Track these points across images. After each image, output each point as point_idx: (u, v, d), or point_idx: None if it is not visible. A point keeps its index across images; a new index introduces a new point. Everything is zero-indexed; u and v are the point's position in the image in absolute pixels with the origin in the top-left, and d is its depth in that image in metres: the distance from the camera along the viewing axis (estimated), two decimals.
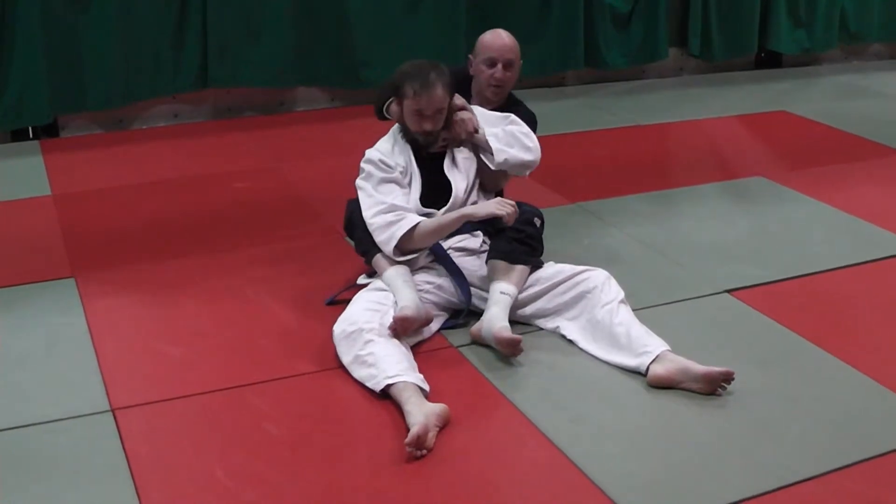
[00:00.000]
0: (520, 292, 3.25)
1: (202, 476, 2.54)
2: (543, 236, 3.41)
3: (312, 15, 5.83)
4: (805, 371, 3.10)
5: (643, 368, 3.01)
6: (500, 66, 3.64)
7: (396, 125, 3.44)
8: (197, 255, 3.87)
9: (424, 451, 2.63)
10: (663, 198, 4.67)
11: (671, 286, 3.66)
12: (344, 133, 5.49)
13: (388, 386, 2.84)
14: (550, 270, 3.32)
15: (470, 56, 3.75)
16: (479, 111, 3.49)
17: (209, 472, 2.55)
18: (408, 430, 2.65)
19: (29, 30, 5.11)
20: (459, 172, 3.41)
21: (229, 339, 3.25)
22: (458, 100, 3.43)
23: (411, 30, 6.09)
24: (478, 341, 3.18)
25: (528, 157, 3.42)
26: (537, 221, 3.37)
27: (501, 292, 3.21)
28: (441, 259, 3.34)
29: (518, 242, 3.27)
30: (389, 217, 3.25)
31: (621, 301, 3.19)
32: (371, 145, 3.45)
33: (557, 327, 3.27)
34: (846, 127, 5.90)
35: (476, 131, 3.39)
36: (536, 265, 3.31)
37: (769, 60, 7.54)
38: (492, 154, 3.38)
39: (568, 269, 3.30)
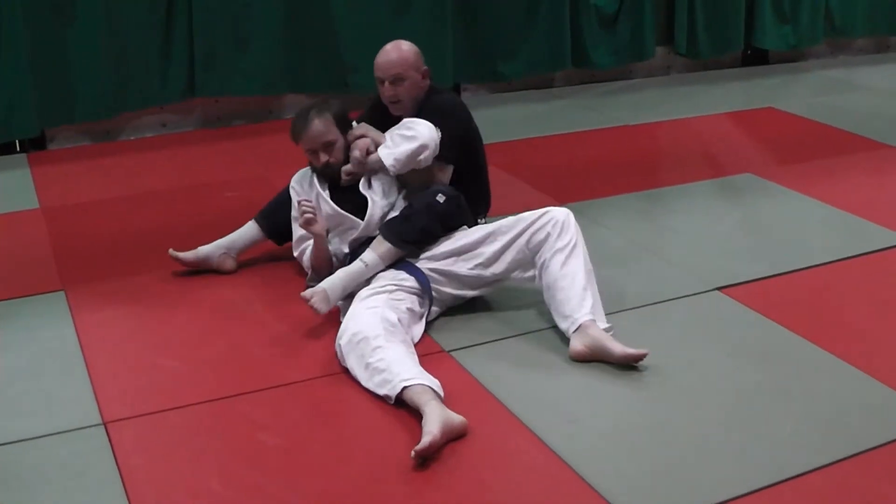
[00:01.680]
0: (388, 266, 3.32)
1: (197, 488, 2.53)
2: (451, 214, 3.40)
3: (299, 22, 5.83)
4: (797, 366, 3.11)
5: (568, 334, 3.12)
6: (386, 84, 3.66)
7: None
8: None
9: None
10: (653, 197, 4.68)
11: (662, 284, 3.66)
12: None
13: (405, 389, 2.81)
14: (510, 220, 3.36)
15: None
16: (391, 132, 3.54)
17: (204, 483, 2.55)
18: (421, 432, 2.63)
19: (15, 43, 5.10)
20: (377, 191, 3.51)
21: (221, 350, 3.24)
22: (359, 129, 3.58)
23: (399, 34, 6.05)
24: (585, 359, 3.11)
25: (412, 145, 3.44)
26: (440, 198, 3.36)
27: (360, 259, 3.31)
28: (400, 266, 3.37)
29: (402, 219, 3.34)
30: (301, 259, 3.60)
31: (573, 247, 3.23)
32: None
33: (533, 276, 3.34)
34: (833, 122, 5.92)
35: (368, 153, 3.48)
36: (405, 246, 3.33)
37: (756, 57, 7.56)
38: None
39: (528, 215, 3.34)
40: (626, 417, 2.84)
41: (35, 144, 5.47)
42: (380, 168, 3.48)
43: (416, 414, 2.77)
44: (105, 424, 2.80)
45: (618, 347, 3.03)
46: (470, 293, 3.41)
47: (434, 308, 3.34)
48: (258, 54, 5.78)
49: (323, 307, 3.22)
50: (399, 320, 3.10)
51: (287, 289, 3.64)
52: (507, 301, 3.49)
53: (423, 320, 3.28)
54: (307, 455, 2.67)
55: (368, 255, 3.31)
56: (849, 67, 7.56)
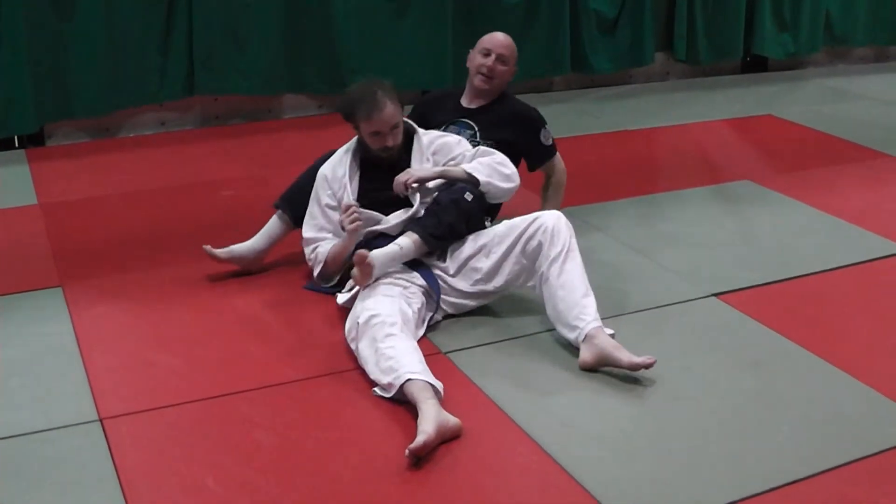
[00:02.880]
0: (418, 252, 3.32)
1: (192, 485, 2.53)
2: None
3: (299, 22, 5.83)
4: (793, 373, 3.12)
5: (577, 344, 3.11)
6: (493, 56, 3.84)
7: (354, 142, 3.57)
8: (185, 264, 3.86)
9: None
10: (650, 202, 4.69)
11: (658, 290, 3.67)
12: (331, 140, 5.45)
13: (408, 381, 2.81)
14: (502, 229, 3.37)
15: (470, 50, 3.98)
16: (441, 142, 3.58)
17: (199, 480, 2.55)
18: (415, 431, 2.64)
19: (14, 38, 5.09)
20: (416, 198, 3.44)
21: (218, 348, 3.24)
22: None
23: (398, 36, 6.10)
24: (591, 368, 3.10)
25: (508, 185, 3.49)
26: (468, 196, 3.38)
27: (396, 242, 3.30)
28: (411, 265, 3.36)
29: (430, 214, 3.37)
30: (310, 257, 3.53)
31: (567, 252, 3.23)
32: None
33: (533, 286, 3.34)
34: (832, 130, 5.93)
35: (417, 182, 3.41)
36: (433, 241, 3.33)
37: (755, 64, 7.57)
38: (470, 184, 3.42)
39: (519, 222, 3.34)
40: (621, 422, 2.84)
41: (33, 140, 5.46)
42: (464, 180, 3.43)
43: (411, 412, 2.78)
44: (101, 420, 2.80)
45: (625, 356, 3.01)
46: (472, 304, 3.41)
47: (436, 316, 3.34)
48: (257, 54, 5.78)
49: (367, 280, 3.20)
50: (412, 315, 3.13)
51: (284, 288, 3.64)
52: (505, 304, 3.49)
53: (425, 324, 3.28)
54: (302, 454, 2.67)
55: (404, 241, 3.30)
56: (848, 76, 7.58)
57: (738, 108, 6.50)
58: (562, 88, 6.89)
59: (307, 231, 3.56)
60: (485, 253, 3.35)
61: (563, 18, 6.54)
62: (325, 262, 3.48)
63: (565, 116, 6.23)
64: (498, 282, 3.35)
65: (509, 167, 3.51)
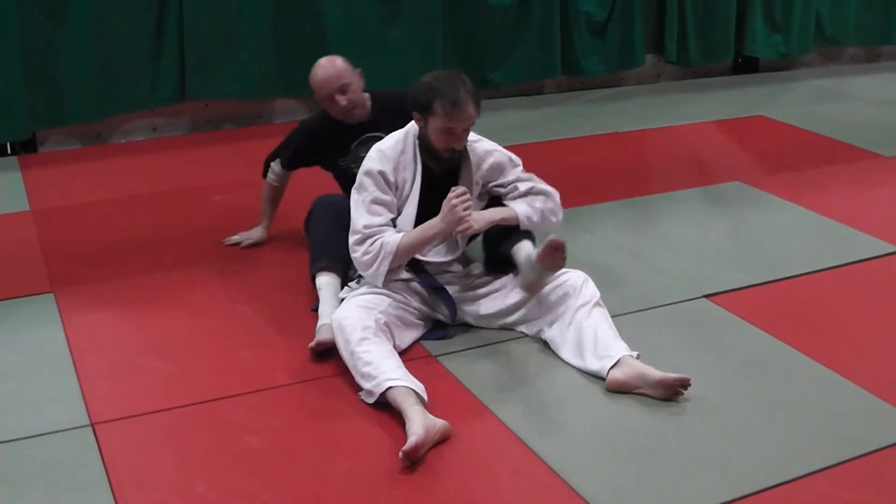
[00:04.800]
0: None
1: (183, 490, 2.54)
2: None
3: (290, 26, 5.84)
4: (783, 374, 3.12)
5: (604, 372, 3.00)
6: (335, 97, 3.71)
7: (411, 131, 3.26)
8: (176, 269, 3.86)
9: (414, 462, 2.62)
10: (641, 204, 4.70)
11: (649, 292, 3.68)
12: None
13: (389, 389, 2.81)
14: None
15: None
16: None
17: (190, 485, 2.55)
18: (405, 436, 2.65)
19: (5, 44, 5.09)
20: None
21: (209, 352, 3.24)
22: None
23: (389, 40, 6.10)
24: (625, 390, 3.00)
25: (550, 226, 3.36)
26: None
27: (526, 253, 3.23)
28: (421, 276, 3.30)
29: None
30: (369, 251, 3.16)
31: (596, 303, 3.19)
32: None
33: (539, 331, 3.27)
34: (823, 131, 5.94)
35: (476, 229, 3.19)
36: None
37: (746, 66, 7.59)
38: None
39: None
40: (611, 423, 2.85)
41: (26, 147, 5.46)
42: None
43: (397, 416, 2.78)
44: (93, 425, 2.81)
45: (658, 373, 2.92)
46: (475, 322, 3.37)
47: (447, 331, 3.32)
48: (248, 58, 5.78)
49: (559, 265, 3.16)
50: (387, 324, 3.10)
51: (275, 292, 3.64)
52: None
53: (417, 332, 3.27)
54: (292, 458, 2.67)
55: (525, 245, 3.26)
56: (839, 77, 7.59)
57: (729, 110, 6.51)
58: (553, 91, 6.90)
59: (362, 219, 3.18)
60: (503, 293, 3.32)
61: (553, 21, 6.54)
62: (397, 254, 3.15)
63: (556, 119, 6.25)
64: (511, 318, 3.31)
65: (558, 211, 3.38)
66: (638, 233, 4.33)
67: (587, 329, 3.11)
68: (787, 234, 4.31)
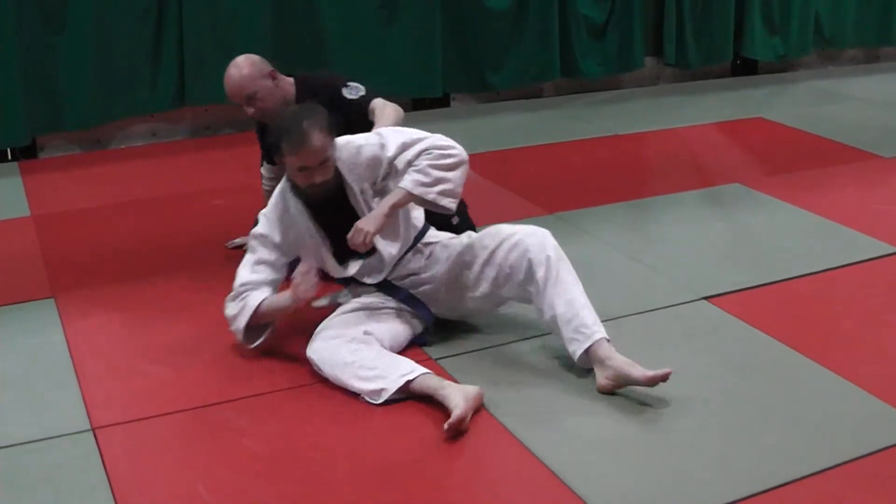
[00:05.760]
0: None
1: (184, 494, 2.54)
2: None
3: (288, 32, 5.85)
4: (783, 376, 3.13)
5: (575, 357, 3.02)
6: (243, 106, 3.63)
7: (285, 186, 3.18)
8: (176, 274, 3.87)
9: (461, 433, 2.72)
10: (641, 206, 4.70)
11: (649, 294, 3.68)
12: None
13: (408, 382, 2.86)
14: (487, 241, 3.20)
15: None
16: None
17: (191, 489, 2.55)
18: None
19: (4, 51, 5.10)
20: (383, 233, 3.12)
21: (209, 357, 3.24)
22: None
23: (387, 44, 6.11)
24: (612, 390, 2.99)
25: (456, 173, 3.10)
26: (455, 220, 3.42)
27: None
28: (391, 292, 3.25)
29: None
30: (236, 307, 3.15)
31: (557, 260, 3.09)
32: None
33: (513, 298, 3.25)
34: (822, 132, 5.95)
35: (373, 231, 3.02)
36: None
37: (745, 67, 7.60)
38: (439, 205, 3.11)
39: (503, 233, 3.18)
40: (612, 426, 2.85)
41: (26, 153, 5.47)
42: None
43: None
44: (94, 430, 2.81)
45: (639, 372, 2.91)
46: (466, 308, 3.35)
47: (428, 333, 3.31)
48: None
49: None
50: (368, 333, 3.08)
51: None
52: (494, 312, 3.50)
53: (407, 329, 3.25)
54: (293, 462, 2.68)
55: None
56: (838, 78, 7.60)
57: (728, 112, 6.51)
58: (552, 94, 6.91)
59: (241, 276, 3.19)
60: (466, 265, 3.23)
61: (552, 24, 6.55)
62: (257, 313, 3.13)
63: (556, 122, 6.25)
64: (477, 294, 3.24)
65: (450, 151, 3.08)
66: (637, 235, 4.33)
67: (557, 298, 3.05)
68: (787, 236, 4.31)
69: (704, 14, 7.13)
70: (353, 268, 3.19)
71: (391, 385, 2.88)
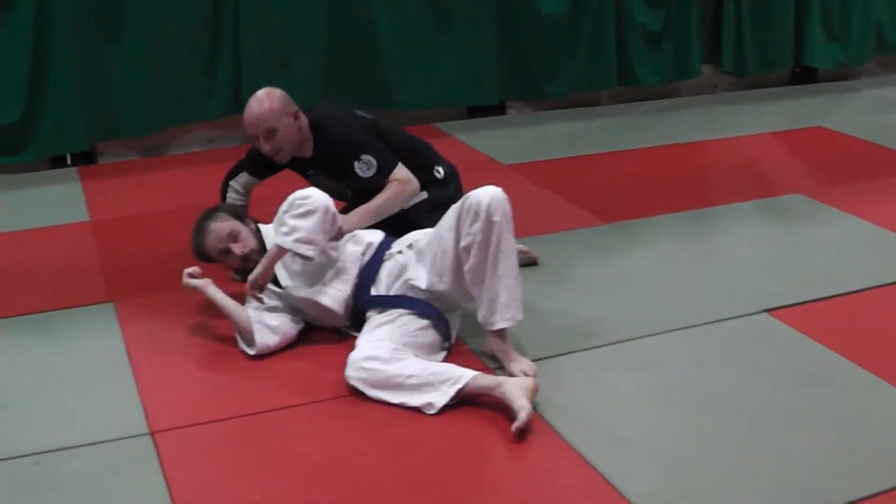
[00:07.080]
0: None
1: (241, 499, 2.54)
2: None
3: (343, 40, 5.87)
4: (845, 391, 3.06)
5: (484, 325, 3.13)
6: (260, 140, 3.58)
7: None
8: (231, 280, 3.88)
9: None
10: (699, 217, 4.64)
11: (708, 305, 3.62)
12: None
13: (460, 389, 2.88)
14: (449, 218, 3.16)
15: None
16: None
17: (248, 495, 2.56)
18: (513, 414, 2.78)
19: (63, 60, 5.19)
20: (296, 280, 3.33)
21: (265, 362, 3.25)
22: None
23: (442, 52, 6.11)
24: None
25: (314, 218, 3.17)
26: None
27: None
28: (388, 304, 3.26)
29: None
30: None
31: (503, 228, 3.03)
32: None
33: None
34: (884, 141, 5.84)
35: (252, 281, 3.24)
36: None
37: (804, 75, 7.48)
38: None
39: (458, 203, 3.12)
40: (669, 438, 2.81)
41: (85, 158, 5.55)
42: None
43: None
44: (152, 434, 2.83)
45: (514, 367, 3.05)
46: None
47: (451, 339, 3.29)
48: (303, 70, 5.81)
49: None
50: (405, 345, 3.08)
51: None
52: (548, 319, 3.47)
53: (438, 350, 3.23)
54: (351, 469, 2.67)
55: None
56: None
57: (787, 120, 6.43)
58: (608, 103, 6.86)
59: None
60: (444, 250, 3.16)
61: (607, 32, 6.50)
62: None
63: (613, 130, 6.21)
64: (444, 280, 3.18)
65: (303, 200, 3.18)
66: (696, 245, 4.28)
67: (490, 279, 3.05)
68: (849, 248, 4.23)
69: (763, 21, 7.03)
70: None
71: (440, 399, 2.87)
